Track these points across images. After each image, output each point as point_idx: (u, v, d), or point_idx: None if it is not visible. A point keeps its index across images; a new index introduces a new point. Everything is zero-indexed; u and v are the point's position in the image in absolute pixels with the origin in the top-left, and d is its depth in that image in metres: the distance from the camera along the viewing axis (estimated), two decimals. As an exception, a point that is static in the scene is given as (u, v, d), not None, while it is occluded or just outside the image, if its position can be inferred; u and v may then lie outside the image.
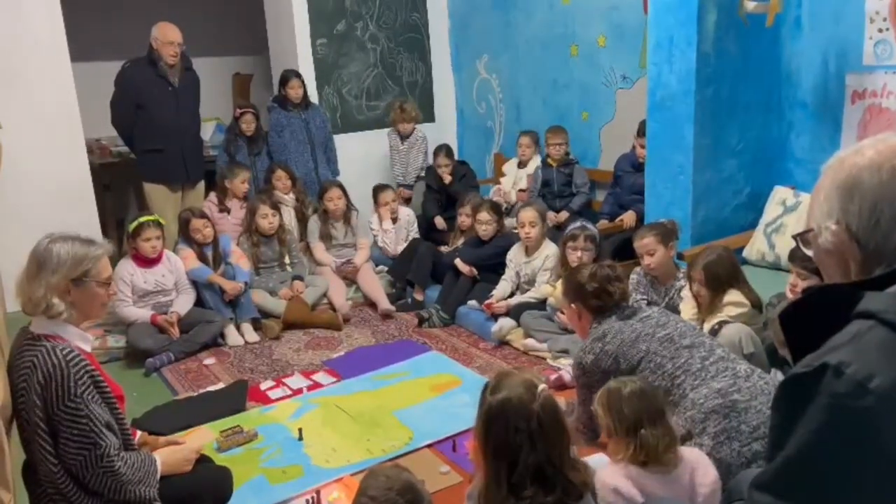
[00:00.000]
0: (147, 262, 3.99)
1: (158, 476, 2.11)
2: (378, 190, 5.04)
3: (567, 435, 1.63)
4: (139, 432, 2.38)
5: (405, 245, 4.86)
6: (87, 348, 2.04)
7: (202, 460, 2.38)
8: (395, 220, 4.98)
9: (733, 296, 2.89)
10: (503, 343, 3.85)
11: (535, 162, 5.10)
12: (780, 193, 3.70)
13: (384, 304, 4.43)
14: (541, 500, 1.56)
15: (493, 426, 1.61)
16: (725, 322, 2.79)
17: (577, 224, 3.71)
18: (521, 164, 5.20)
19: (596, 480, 1.72)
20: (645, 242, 3.25)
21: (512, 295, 4.06)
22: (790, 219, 3.57)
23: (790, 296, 2.76)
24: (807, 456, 0.90)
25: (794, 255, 2.71)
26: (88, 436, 1.91)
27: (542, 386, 1.62)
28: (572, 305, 2.60)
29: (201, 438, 2.47)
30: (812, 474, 0.90)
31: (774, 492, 0.93)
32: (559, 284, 3.63)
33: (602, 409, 1.93)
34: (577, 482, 1.60)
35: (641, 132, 4.28)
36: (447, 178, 5.15)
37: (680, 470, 1.85)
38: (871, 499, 0.88)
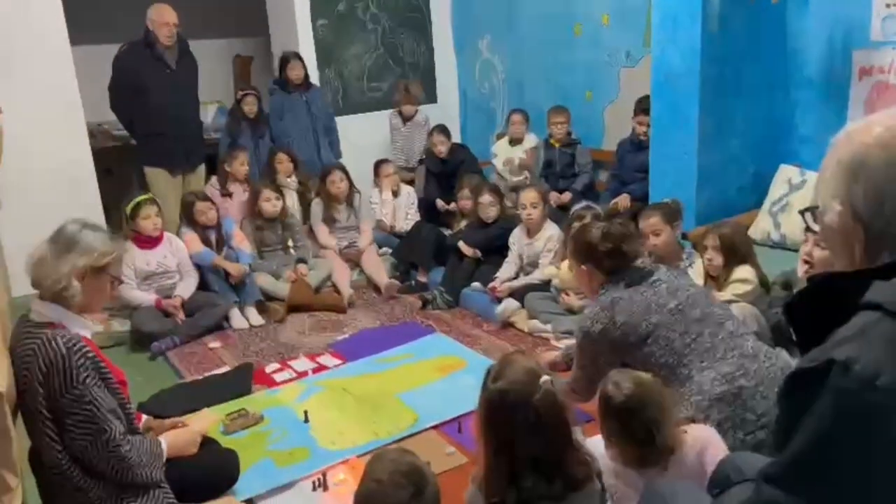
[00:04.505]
0: (148, 243, 3.98)
1: (164, 458, 2.12)
2: (379, 164, 5.07)
3: (568, 428, 1.60)
4: (144, 416, 2.40)
5: (406, 225, 4.85)
6: (88, 334, 2.04)
7: (208, 443, 2.40)
8: (395, 194, 4.96)
9: (742, 272, 2.86)
10: (507, 325, 3.85)
11: (531, 139, 5.05)
12: (786, 172, 3.67)
13: (384, 279, 4.44)
14: (542, 490, 1.55)
15: (492, 415, 1.60)
16: (731, 301, 2.78)
17: (583, 204, 3.70)
18: (515, 142, 5.11)
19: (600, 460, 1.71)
20: (651, 222, 3.21)
21: (516, 277, 4.05)
22: (796, 197, 3.54)
23: (803, 269, 2.72)
24: (815, 452, 0.90)
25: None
26: (94, 421, 1.91)
27: (544, 378, 1.58)
28: (583, 267, 2.38)
29: (205, 420, 2.48)
30: (820, 470, 0.90)
31: (783, 486, 0.93)
32: (563, 266, 3.62)
33: (598, 413, 1.88)
34: (581, 476, 1.57)
35: (638, 111, 4.26)
36: (443, 153, 5.11)
37: (685, 450, 1.81)
38: (879, 495, 0.88)
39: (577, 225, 3.58)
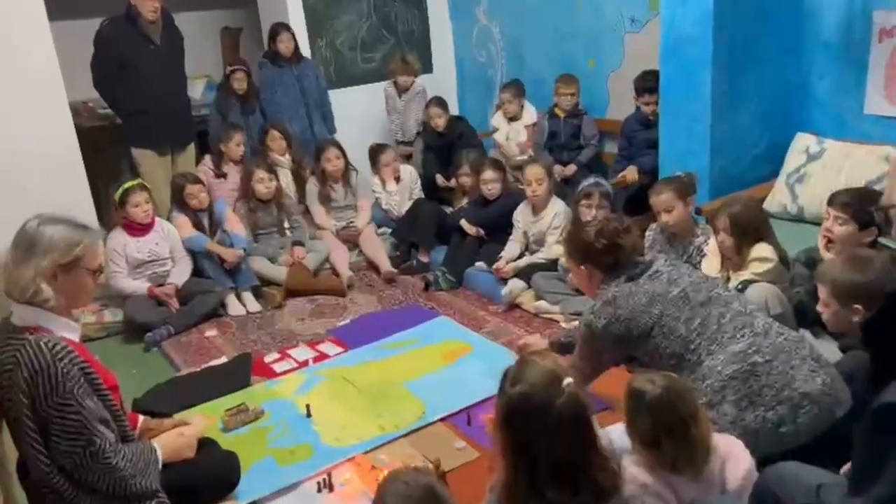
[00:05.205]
0: (139, 230, 3.84)
1: (160, 466, 2.01)
2: (376, 151, 4.79)
3: (593, 432, 1.50)
4: (142, 418, 2.28)
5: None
6: (75, 338, 1.91)
7: (207, 445, 2.29)
8: (398, 181, 4.78)
9: (760, 250, 2.73)
10: (514, 306, 3.72)
11: (529, 114, 4.83)
12: (803, 141, 3.52)
13: (386, 266, 4.29)
14: (565, 501, 1.45)
15: (512, 421, 1.49)
16: (750, 281, 2.65)
17: (591, 181, 3.54)
18: (512, 119, 4.88)
19: (625, 472, 1.59)
20: (662, 199, 3.07)
21: (521, 256, 3.91)
22: (814, 167, 3.39)
23: (823, 243, 2.59)
24: None
25: (836, 198, 2.53)
26: (82, 432, 1.80)
27: (567, 380, 1.48)
28: (581, 267, 2.38)
29: (200, 424, 2.35)
30: None
31: None
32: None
33: (624, 412, 1.77)
34: (607, 485, 1.47)
35: (641, 90, 4.08)
36: (440, 126, 4.91)
37: (710, 464, 1.71)
38: None
39: (584, 202, 3.47)
